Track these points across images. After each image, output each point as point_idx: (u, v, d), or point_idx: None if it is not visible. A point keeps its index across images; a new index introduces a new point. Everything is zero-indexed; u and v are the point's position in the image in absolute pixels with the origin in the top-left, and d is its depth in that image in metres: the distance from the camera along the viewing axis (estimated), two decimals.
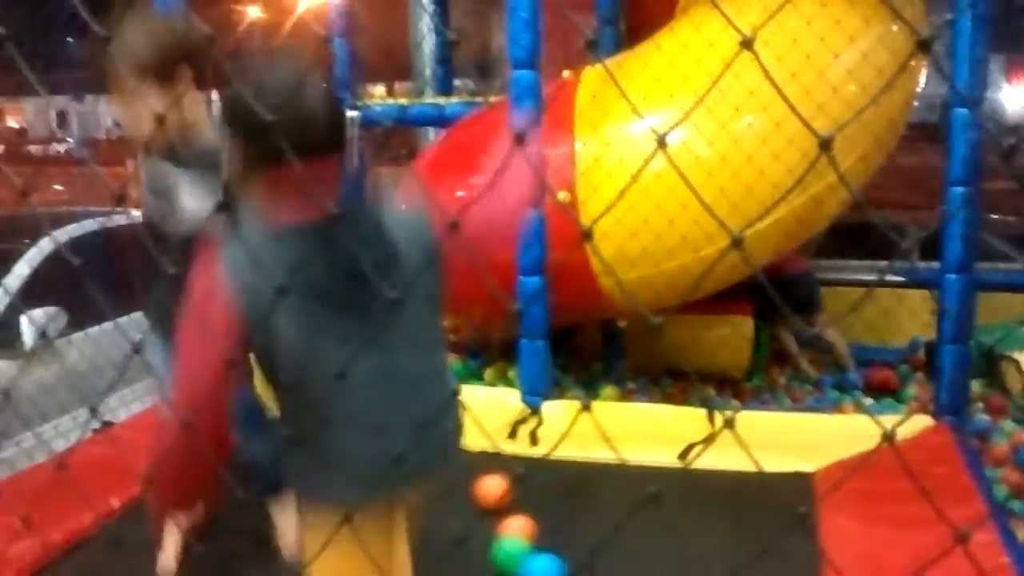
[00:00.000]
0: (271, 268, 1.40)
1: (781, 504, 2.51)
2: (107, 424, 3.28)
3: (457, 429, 1.71)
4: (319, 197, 1.30)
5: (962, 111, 2.71)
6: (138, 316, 3.48)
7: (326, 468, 1.57)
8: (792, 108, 0.81)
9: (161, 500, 1.62)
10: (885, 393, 4.23)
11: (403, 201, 1.62)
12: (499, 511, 2.62)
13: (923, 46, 0.62)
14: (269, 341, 1.47)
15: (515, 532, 2.46)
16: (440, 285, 1.63)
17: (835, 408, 3.93)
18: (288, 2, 19.44)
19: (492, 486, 2.72)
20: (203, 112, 2.11)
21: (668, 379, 4.41)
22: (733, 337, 4.17)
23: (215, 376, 1.45)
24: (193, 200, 1.99)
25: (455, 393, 1.73)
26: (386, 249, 1.50)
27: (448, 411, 1.68)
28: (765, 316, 4.34)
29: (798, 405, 4.08)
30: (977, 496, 2.38)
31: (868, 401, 4.11)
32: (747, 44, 0.65)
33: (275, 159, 1.28)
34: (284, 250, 1.42)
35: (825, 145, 0.74)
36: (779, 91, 0.77)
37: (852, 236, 4.81)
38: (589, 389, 4.16)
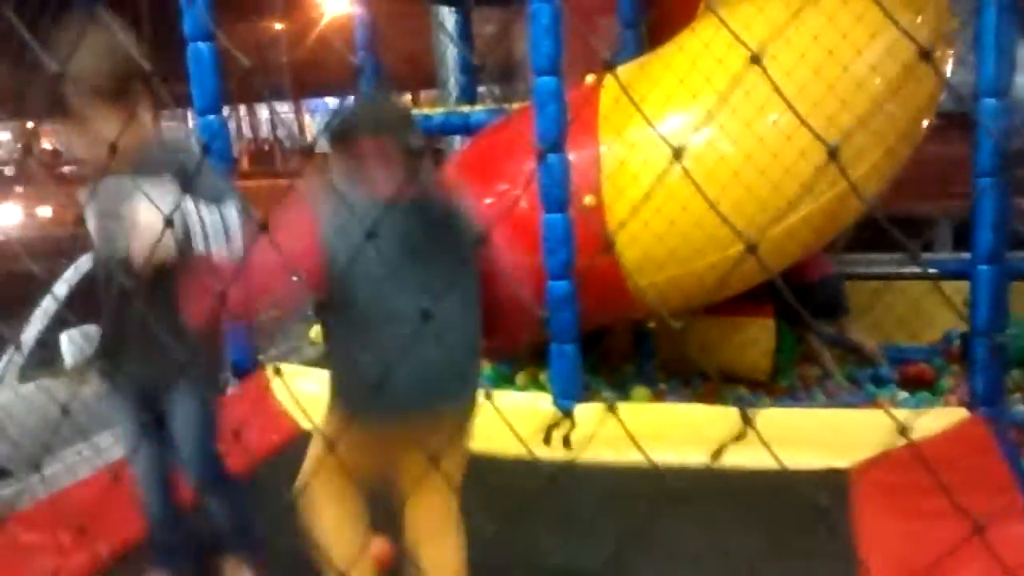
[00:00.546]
0: (361, 226, 1.74)
1: (815, 502, 2.52)
2: None
3: (465, 382, 2.02)
4: (396, 180, 1.85)
5: (990, 101, 2.70)
6: None
7: (347, 384, 1.97)
8: (800, 117, 0.83)
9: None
10: (921, 387, 4.20)
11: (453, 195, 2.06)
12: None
13: (925, 56, 0.63)
14: (343, 280, 1.84)
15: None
16: (475, 259, 2.01)
17: (871, 404, 3.91)
18: (312, 15, 19.63)
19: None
20: (153, 130, 2.03)
21: (700, 380, 4.41)
22: (755, 340, 4.16)
23: (274, 291, 1.82)
24: (150, 212, 1.83)
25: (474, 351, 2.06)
26: (448, 231, 1.96)
27: (459, 366, 1.99)
28: (789, 318, 4.33)
29: (833, 401, 4.06)
30: (1014, 487, 2.36)
31: (903, 395, 4.09)
32: (756, 60, 0.66)
33: (343, 141, 1.90)
34: (375, 215, 1.78)
35: (832, 154, 0.75)
36: (787, 102, 0.79)
37: (883, 229, 4.78)
38: (620, 391, 4.16)
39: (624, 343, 4.50)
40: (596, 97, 3.72)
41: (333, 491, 2.03)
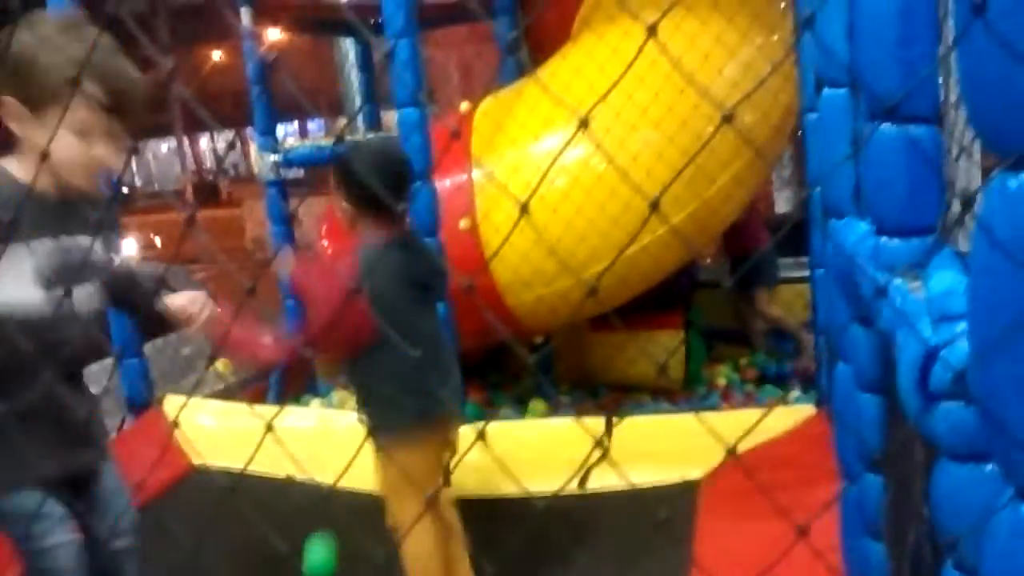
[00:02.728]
0: (389, 267, 2.18)
1: (667, 514, 2.64)
2: None
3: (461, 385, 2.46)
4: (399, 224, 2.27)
5: (812, 116, 2.83)
6: None
7: (400, 404, 2.18)
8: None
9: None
10: None
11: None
12: None
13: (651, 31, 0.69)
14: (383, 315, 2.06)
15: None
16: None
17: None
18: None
19: None
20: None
21: (605, 389, 4.51)
22: (666, 351, 4.26)
23: (357, 341, 2.08)
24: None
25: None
26: (433, 263, 2.41)
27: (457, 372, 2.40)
28: (697, 326, 4.49)
29: (729, 404, 4.19)
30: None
31: (797, 394, 4.22)
32: (652, 31, 0.71)
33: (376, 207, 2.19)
34: (391, 256, 2.20)
35: (654, 205, 0.81)
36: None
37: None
38: (522, 405, 4.25)
39: (523, 358, 4.59)
40: (469, 123, 3.83)
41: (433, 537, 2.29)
